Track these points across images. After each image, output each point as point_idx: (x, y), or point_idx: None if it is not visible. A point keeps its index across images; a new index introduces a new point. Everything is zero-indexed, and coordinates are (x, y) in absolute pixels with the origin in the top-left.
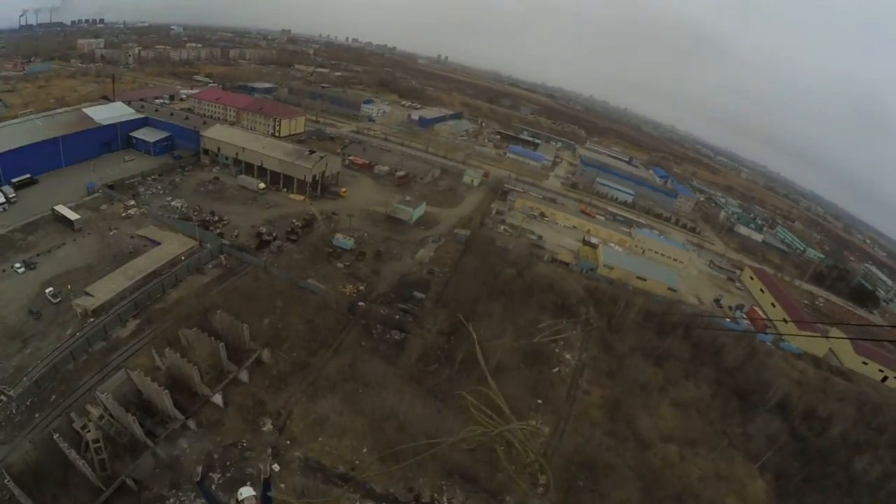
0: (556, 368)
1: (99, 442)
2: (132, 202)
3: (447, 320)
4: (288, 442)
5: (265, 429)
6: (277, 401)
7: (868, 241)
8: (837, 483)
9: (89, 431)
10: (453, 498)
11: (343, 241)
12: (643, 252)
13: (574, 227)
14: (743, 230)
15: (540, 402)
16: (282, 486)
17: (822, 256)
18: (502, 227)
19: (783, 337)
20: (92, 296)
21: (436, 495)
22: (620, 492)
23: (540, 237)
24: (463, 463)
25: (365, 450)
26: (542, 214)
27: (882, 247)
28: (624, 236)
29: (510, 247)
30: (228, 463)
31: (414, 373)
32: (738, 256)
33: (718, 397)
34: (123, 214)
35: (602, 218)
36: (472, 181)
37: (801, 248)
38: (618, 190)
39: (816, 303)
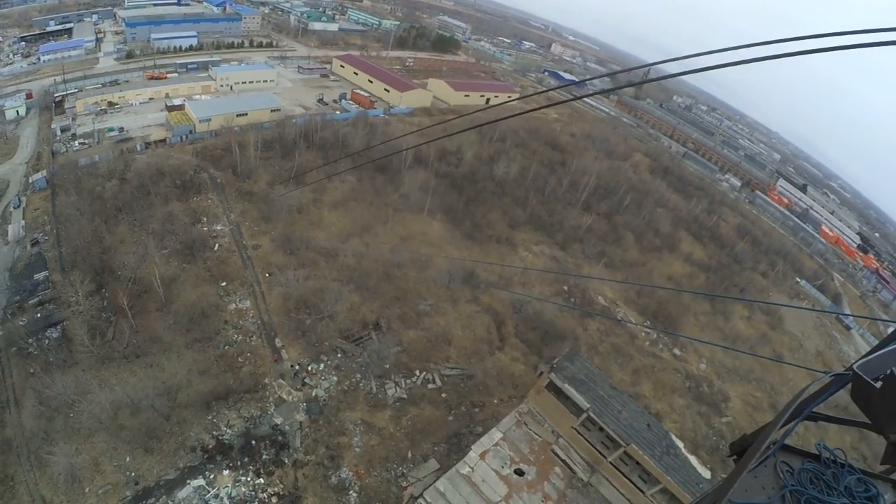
0: (216, 246)
1: None
2: None
3: (87, 278)
4: None
5: None
6: None
7: None
8: (492, 190)
9: None
10: None
11: None
12: (231, 89)
13: (150, 98)
14: (317, 26)
15: (224, 283)
16: None
17: (398, 23)
18: (76, 143)
19: (391, 105)
20: None
21: None
22: (341, 304)
23: (121, 129)
24: None
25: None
26: (111, 104)
27: None
28: (206, 83)
29: (97, 158)
30: None
31: (101, 353)
32: (323, 52)
33: (366, 181)
34: None
35: (176, 74)
36: (19, 111)
37: (377, 23)
38: (178, 38)
39: (407, 64)
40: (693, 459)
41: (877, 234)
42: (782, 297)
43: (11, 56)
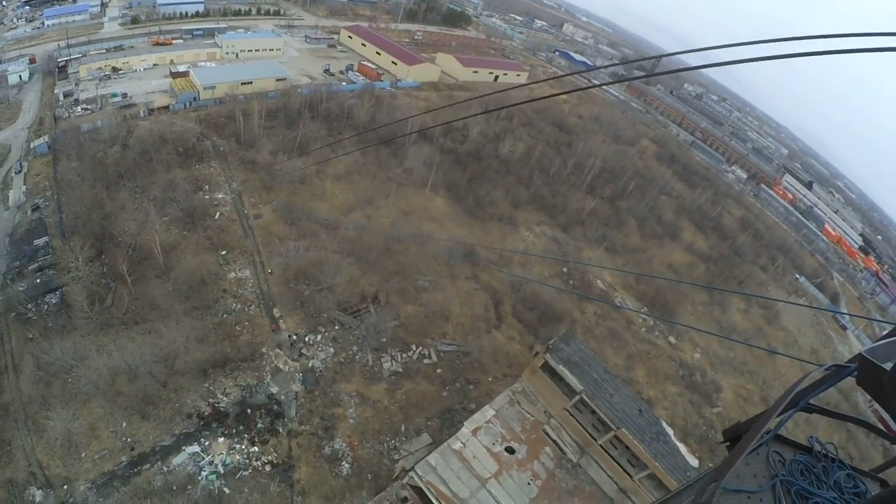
0: (217, 214)
1: None
2: None
3: (87, 244)
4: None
5: None
6: None
7: None
8: (496, 168)
9: None
10: None
11: None
12: (237, 57)
13: (155, 64)
14: None
15: (224, 252)
16: None
17: None
18: (79, 108)
19: (399, 78)
20: None
21: None
22: (341, 276)
23: (125, 95)
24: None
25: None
26: (115, 69)
27: None
28: (211, 50)
29: (99, 124)
30: None
31: (100, 319)
32: (331, 22)
33: (369, 154)
34: None
35: (181, 41)
36: (22, 76)
37: None
38: (184, 4)
39: (416, 37)
40: (682, 447)
41: (879, 237)
42: (781, 292)
43: (15, 20)
